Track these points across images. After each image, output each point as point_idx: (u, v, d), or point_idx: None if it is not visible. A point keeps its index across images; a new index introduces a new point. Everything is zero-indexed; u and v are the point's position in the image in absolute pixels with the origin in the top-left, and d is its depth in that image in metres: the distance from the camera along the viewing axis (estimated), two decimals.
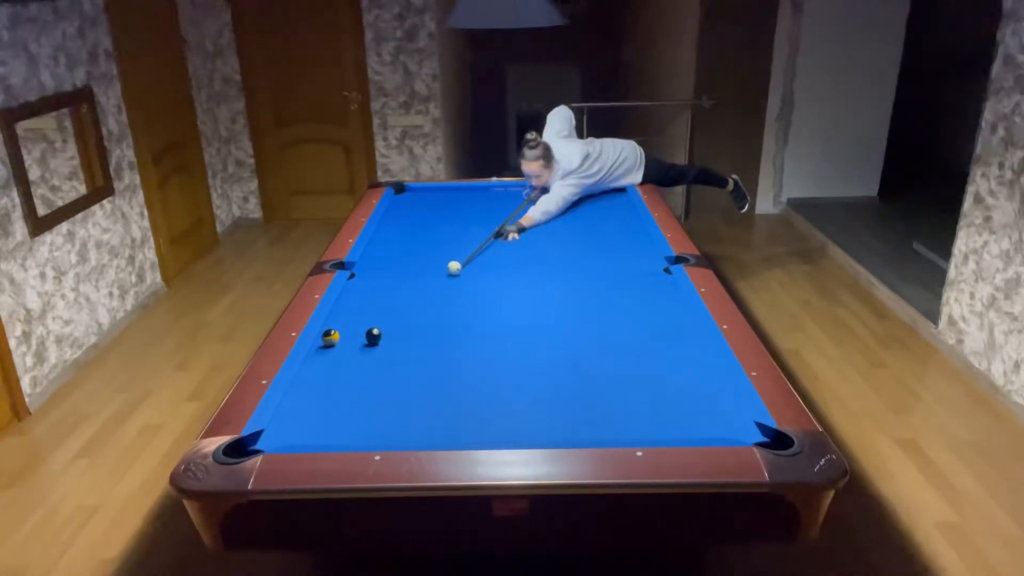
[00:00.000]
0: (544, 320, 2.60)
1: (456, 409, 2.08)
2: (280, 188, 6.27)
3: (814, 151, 6.04)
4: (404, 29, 5.76)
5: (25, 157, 3.58)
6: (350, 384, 2.20)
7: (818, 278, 4.95)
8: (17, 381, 3.49)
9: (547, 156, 3.75)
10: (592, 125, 6.33)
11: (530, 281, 2.93)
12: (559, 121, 4.12)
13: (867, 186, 6.18)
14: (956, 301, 3.88)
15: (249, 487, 1.69)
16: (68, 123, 3.98)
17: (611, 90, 8.93)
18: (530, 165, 3.75)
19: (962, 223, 3.84)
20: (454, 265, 3.01)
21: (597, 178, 3.89)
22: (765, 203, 6.28)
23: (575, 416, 2.03)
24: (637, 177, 4.07)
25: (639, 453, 1.76)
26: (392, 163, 6.18)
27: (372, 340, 2.40)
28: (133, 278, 4.61)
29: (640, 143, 4.21)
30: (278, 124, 6.07)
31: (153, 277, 4.86)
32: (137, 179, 4.66)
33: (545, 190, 3.81)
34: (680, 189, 6.01)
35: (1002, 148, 3.51)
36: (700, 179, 4.46)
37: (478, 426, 1.98)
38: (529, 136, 3.78)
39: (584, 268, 3.10)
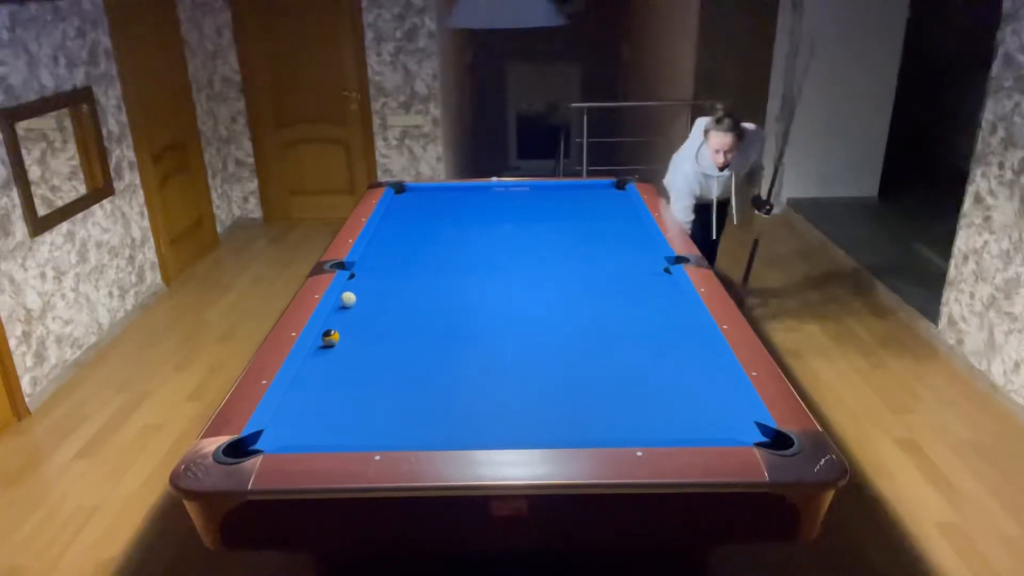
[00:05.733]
0: (544, 320, 2.59)
1: (456, 409, 2.07)
2: (280, 188, 6.27)
3: (814, 151, 6.03)
4: (404, 29, 5.76)
5: (25, 157, 3.58)
6: (350, 384, 2.20)
7: (818, 278, 4.95)
8: (17, 381, 3.49)
9: (740, 132, 3.57)
10: (592, 125, 6.34)
11: (530, 281, 2.93)
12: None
13: (867, 186, 6.19)
14: (956, 301, 3.88)
15: (249, 487, 1.68)
16: (68, 123, 3.98)
17: (611, 90, 8.93)
18: (727, 140, 3.54)
19: (962, 223, 3.84)
20: (349, 297, 2.70)
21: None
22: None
23: (575, 416, 2.03)
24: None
25: (639, 453, 1.76)
26: (392, 163, 6.18)
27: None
28: (133, 278, 4.61)
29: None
30: (278, 124, 6.07)
31: (153, 277, 4.86)
32: (137, 179, 4.67)
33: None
34: None
35: (1002, 148, 3.51)
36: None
37: (478, 426, 1.98)
38: (719, 107, 3.62)
39: (584, 268, 3.09)
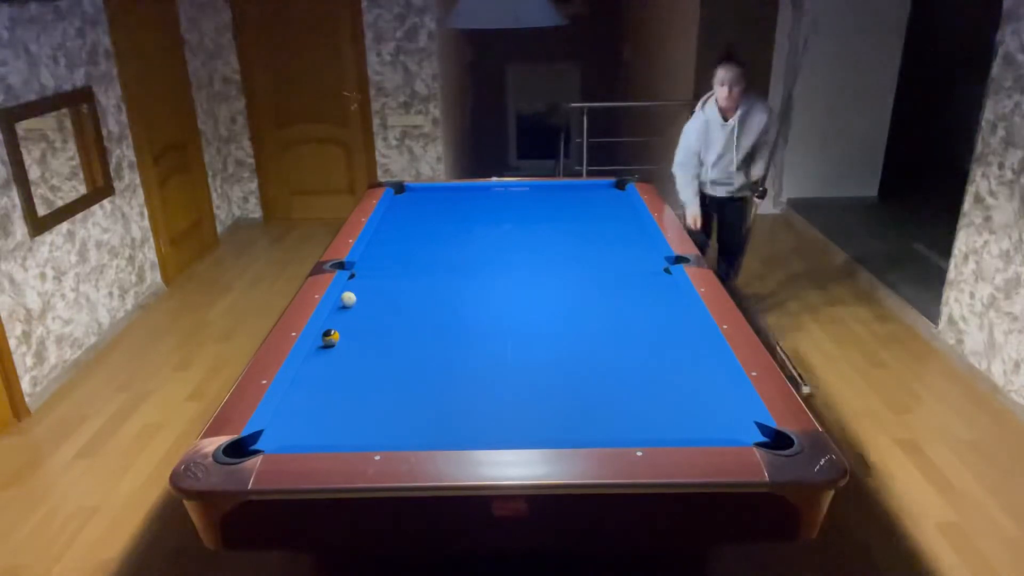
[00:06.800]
0: (544, 320, 2.60)
1: (456, 409, 2.08)
2: (280, 188, 6.27)
3: (814, 151, 6.03)
4: (404, 29, 5.76)
5: (25, 157, 3.58)
6: (350, 384, 2.20)
7: (818, 278, 4.95)
8: (17, 381, 3.49)
9: (746, 68, 3.78)
10: (592, 125, 6.34)
11: (530, 281, 2.93)
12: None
13: (867, 186, 6.18)
14: (956, 301, 3.88)
15: (249, 487, 1.69)
16: (68, 123, 3.98)
17: (611, 90, 8.93)
18: (731, 71, 3.72)
19: (962, 223, 3.84)
20: (349, 297, 2.73)
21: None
22: (765, 203, 6.26)
23: (575, 416, 2.03)
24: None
25: (639, 453, 1.76)
26: (392, 163, 6.18)
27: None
28: (133, 278, 4.61)
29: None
30: (278, 124, 6.08)
31: (153, 277, 4.86)
32: (137, 179, 4.67)
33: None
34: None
35: (1002, 148, 3.51)
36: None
37: (478, 426, 1.98)
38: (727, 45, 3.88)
39: (584, 268, 3.09)
